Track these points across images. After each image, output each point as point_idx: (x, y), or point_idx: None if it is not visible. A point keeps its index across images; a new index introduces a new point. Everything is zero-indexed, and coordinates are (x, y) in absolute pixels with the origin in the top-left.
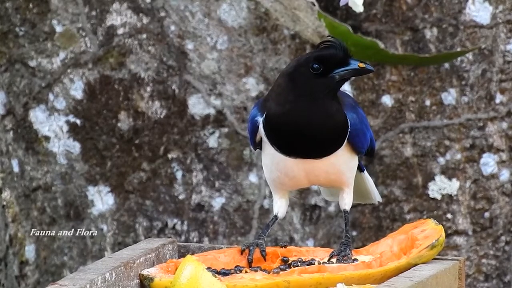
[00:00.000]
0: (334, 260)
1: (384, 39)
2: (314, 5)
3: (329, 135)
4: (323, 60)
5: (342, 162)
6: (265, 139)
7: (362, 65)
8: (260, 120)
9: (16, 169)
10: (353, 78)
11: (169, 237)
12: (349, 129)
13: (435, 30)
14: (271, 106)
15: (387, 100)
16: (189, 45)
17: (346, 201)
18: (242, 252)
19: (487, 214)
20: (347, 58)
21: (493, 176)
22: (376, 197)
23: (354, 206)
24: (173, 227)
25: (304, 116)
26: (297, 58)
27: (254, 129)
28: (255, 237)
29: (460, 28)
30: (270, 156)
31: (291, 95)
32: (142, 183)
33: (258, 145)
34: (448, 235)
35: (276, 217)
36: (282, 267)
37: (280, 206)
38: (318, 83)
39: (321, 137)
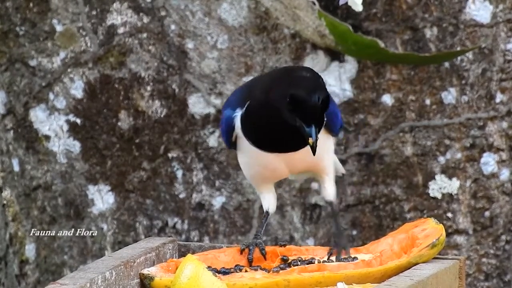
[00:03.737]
0: (333, 258)
1: (384, 38)
2: (314, 4)
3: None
4: (295, 103)
5: (320, 147)
6: (241, 135)
7: (310, 142)
8: (237, 116)
9: (16, 168)
10: (353, 77)
11: (169, 236)
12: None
13: (435, 29)
14: (254, 103)
15: (387, 99)
16: (190, 44)
17: (329, 191)
18: (241, 251)
19: (487, 213)
20: (310, 120)
21: (493, 175)
22: (340, 170)
23: (354, 205)
24: (174, 226)
25: (277, 116)
26: (288, 75)
27: (229, 129)
28: (253, 236)
29: (460, 27)
30: (247, 153)
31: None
32: (142, 182)
33: (233, 145)
34: (448, 234)
35: (267, 213)
36: (282, 266)
37: (269, 201)
38: (286, 115)
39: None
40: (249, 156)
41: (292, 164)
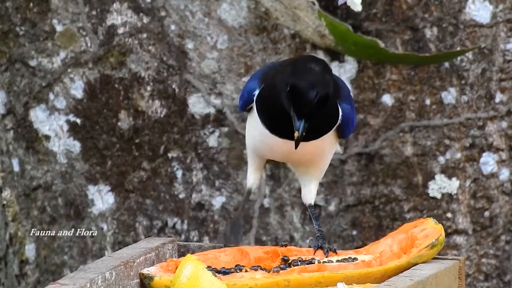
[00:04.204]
0: (333, 258)
1: (384, 38)
2: (314, 4)
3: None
4: (293, 94)
5: (326, 146)
6: (255, 113)
7: (296, 135)
8: (255, 93)
9: (16, 168)
10: (353, 77)
11: (169, 236)
12: (340, 120)
13: (435, 29)
14: (265, 87)
15: (387, 99)
16: (189, 45)
17: (312, 195)
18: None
19: (487, 213)
20: (302, 114)
21: (493, 175)
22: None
23: (353, 205)
24: (173, 226)
25: (278, 101)
26: (298, 65)
27: (248, 100)
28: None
29: (460, 27)
30: (258, 129)
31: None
32: (142, 182)
33: (245, 111)
34: (448, 234)
35: (250, 191)
36: (282, 266)
37: (255, 179)
38: (285, 102)
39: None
40: (258, 131)
41: (296, 152)
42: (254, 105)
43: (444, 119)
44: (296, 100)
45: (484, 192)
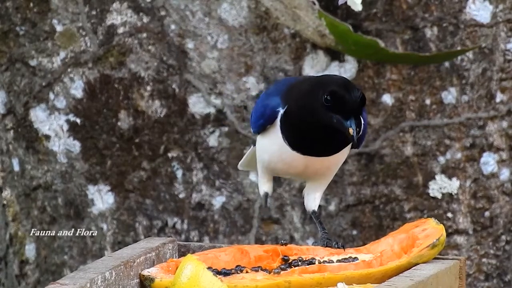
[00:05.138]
0: (334, 258)
1: (385, 38)
2: (314, 4)
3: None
4: (335, 98)
5: (340, 158)
6: (277, 130)
7: (350, 132)
8: (280, 112)
9: (16, 168)
10: (353, 77)
11: (169, 236)
12: (361, 130)
13: (435, 29)
14: (292, 105)
15: (387, 99)
16: (190, 44)
17: (316, 202)
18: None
19: (487, 213)
20: (350, 113)
21: (493, 175)
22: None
23: (354, 205)
24: (173, 226)
25: (312, 118)
26: (324, 78)
27: (271, 119)
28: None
29: (460, 27)
30: (276, 145)
31: (307, 107)
32: (142, 182)
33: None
34: (448, 234)
35: (267, 193)
36: (282, 266)
37: (269, 187)
38: (322, 113)
39: (336, 142)
40: (275, 148)
41: (312, 167)
42: (277, 123)
43: (444, 119)
44: (339, 103)
45: (485, 192)
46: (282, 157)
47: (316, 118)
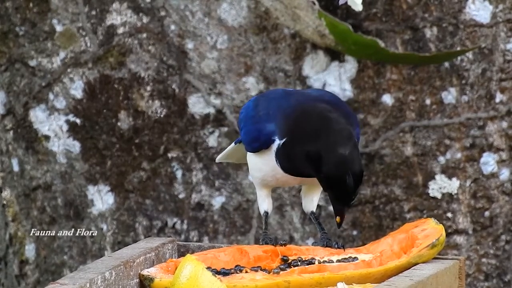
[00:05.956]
0: (334, 258)
1: (384, 38)
2: (314, 4)
3: None
4: (331, 181)
5: None
6: (272, 155)
7: (338, 220)
8: (276, 142)
9: (16, 168)
10: (353, 77)
11: (169, 236)
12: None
13: (435, 29)
14: (291, 145)
15: (387, 99)
16: (189, 45)
17: (314, 204)
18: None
19: (487, 213)
20: (343, 201)
21: (493, 175)
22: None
23: (354, 205)
24: (173, 226)
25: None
26: (327, 138)
27: (265, 145)
28: (260, 236)
29: (460, 27)
30: (269, 166)
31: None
32: (142, 182)
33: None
34: (448, 234)
35: (266, 213)
36: (282, 266)
37: (268, 204)
38: (321, 175)
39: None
40: (268, 168)
41: (305, 181)
42: (272, 149)
43: (444, 119)
44: (334, 189)
45: (484, 192)
46: (275, 176)
47: (315, 171)
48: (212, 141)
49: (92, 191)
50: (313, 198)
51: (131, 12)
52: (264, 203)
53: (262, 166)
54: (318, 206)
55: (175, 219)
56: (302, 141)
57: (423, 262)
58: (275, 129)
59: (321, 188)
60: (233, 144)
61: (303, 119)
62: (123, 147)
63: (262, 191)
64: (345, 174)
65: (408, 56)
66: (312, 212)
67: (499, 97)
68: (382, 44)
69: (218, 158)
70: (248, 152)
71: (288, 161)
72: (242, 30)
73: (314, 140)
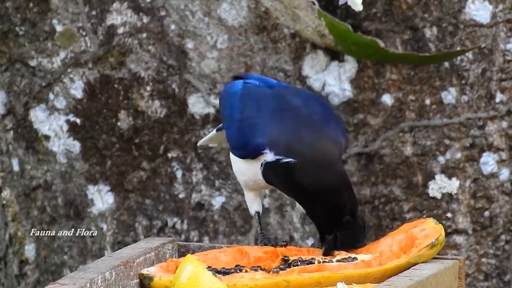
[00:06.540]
0: (333, 259)
1: (384, 38)
2: (314, 4)
3: None
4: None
5: None
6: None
7: (323, 253)
8: (267, 156)
9: (16, 168)
10: (353, 77)
11: (169, 236)
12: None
13: (435, 29)
14: (282, 165)
15: (387, 99)
16: (189, 44)
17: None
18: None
19: (487, 213)
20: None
21: (493, 175)
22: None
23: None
24: (173, 226)
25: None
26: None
27: (254, 155)
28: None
29: (460, 27)
30: (253, 172)
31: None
32: (142, 182)
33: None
34: (448, 234)
35: (258, 213)
36: (282, 266)
37: (258, 204)
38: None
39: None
40: (252, 174)
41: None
42: (259, 161)
43: (444, 119)
44: (342, 239)
45: (484, 192)
46: (257, 183)
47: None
48: None
49: (92, 191)
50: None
51: (131, 12)
52: (254, 204)
53: (246, 171)
54: None
55: (175, 219)
56: (296, 177)
57: (423, 262)
58: (264, 140)
59: None
60: (214, 131)
61: (301, 143)
62: (123, 147)
63: (249, 193)
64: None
65: (408, 56)
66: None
67: (499, 97)
68: (382, 44)
69: (200, 143)
70: (231, 154)
71: (277, 179)
72: (242, 30)
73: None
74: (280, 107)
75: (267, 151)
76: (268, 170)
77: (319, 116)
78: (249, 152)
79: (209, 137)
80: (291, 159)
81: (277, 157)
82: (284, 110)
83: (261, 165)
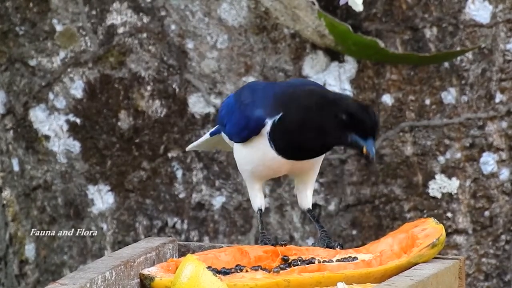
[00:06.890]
0: (334, 258)
1: (384, 38)
2: (314, 4)
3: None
4: (352, 118)
5: (322, 157)
6: (264, 138)
7: (365, 151)
8: (268, 123)
9: (16, 168)
10: (353, 77)
11: (169, 236)
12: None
13: (435, 29)
14: (289, 118)
15: (387, 99)
16: (189, 44)
17: (309, 200)
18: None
19: (487, 213)
20: (369, 133)
21: (493, 175)
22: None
23: (353, 205)
24: (173, 226)
25: (320, 134)
26: (332, 95)
27: (256, 130)
28: (259, 237)
29: (460, 27)
30: (259, 152)
31: (314, 124)
32: (142, 182)
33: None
34: (448, 234)
35: (261, 210)
36: (282, 266)
37: (261, 199)
38: (333, 131)
39: (325, 146)
40: (258, 156)
41: (296, 168)
42: (263, 132)
43: (444, 119)
44: (359, 123)
45: (484, 192)
46: (265, 163)
47: (324, 135)
48: None
49: (92, 191)
50: (307, 194)
51: (131, 12)
52: (257, 199)
53: (252, 156)
54: (318, 206)
55: (175, 219)
56: (301, 111)
57: (423, 262)
58: (264, 112)
59: (314, 180)
60: (207, 135)
61: (297, 95)
62: (123, 147)
63: (253, 185)
64: (363, 104)
65: (408, 56)
66: (308, 209)
67: (499, 97)
68: (382, 44)
69: (188, 148)
70: (235, 146)
71: (286, 137)
72: (242, 30)
73: (314, 104)
74: (274, 90)
75: (267, 120)
76: (275, 134)
77: (312, 86)
78: (252, 129)
79: (201, 141)
80: (282, 112)
81: (275, 118)
82: (278, 92)
83: (268, 135)
